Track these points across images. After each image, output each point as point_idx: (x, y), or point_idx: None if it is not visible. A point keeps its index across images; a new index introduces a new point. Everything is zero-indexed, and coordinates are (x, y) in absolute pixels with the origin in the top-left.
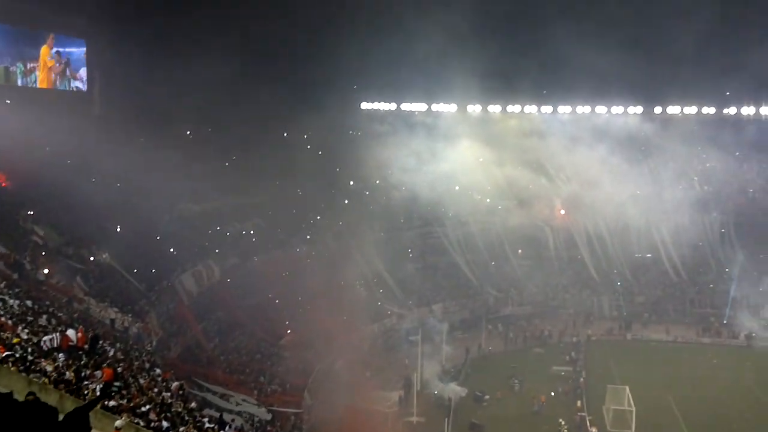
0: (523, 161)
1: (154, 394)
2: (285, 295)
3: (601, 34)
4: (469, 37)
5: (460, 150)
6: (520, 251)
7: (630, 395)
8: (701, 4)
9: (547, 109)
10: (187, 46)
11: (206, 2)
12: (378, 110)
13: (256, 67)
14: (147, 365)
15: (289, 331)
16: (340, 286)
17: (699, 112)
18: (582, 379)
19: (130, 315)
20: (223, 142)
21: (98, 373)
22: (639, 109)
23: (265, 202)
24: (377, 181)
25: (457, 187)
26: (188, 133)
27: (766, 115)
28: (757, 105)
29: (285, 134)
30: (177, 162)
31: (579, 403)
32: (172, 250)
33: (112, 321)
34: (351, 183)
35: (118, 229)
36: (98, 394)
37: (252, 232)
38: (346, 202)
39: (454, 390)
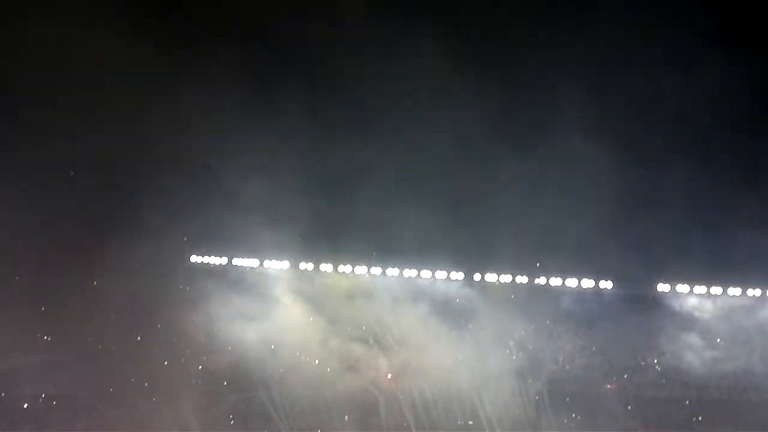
0: (354, 323)
1: None
2: None
3: (426, 201)
4: (301, 195)
5: (290, 309)
6: (346, 417)
7: None
8: (513, 183)
9: (376, 270)
10: None
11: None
12: (208, 264)
13: (73, 210)
14: None
15: None
16: None
17: (513, 281)
18: None
19: None
20: (28, 292)
21: None
22: (461, 275)
23: (72, 361)
24: (201, 340)
25: (285, 349)
26: None
27: (571, 287)
28: (564, 277)
29: (101, 285)
30: None
31: None
32: None
33: None
34: (174, 340)
35: None
36: None
37: (53, 396)
38: (165, 363)
39: None
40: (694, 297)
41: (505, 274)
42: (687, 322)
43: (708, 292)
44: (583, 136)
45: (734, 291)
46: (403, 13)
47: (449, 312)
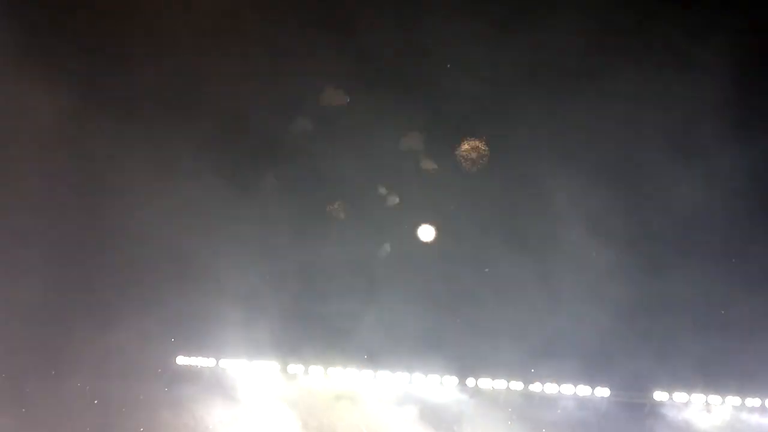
0: (342, 426)
1: None
2: None
3: (419, 303)
4: (291, 296)
5: (279, 411)
6: None
7: None
8: (509, 288)
9: (367, 373)
10: None
11: None
12: (195, 366)
13: (49, 305)
14: None
15: None
16: None
17: (508, 387)
18: None
19: None
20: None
21: None
22: (454, 380)
23: None
24: None
25: None
26: None
27: (567, 394)
28: (559, 384)
29: (87, 387)
30: None
31: None
32: None
33: None
34: None
35: None
36: None
37: None
38: None
39: None
40: (692, 405)
41: (500, 379)
42: (686, 431)
43: (706, 401)
44: (582, 241)
45: (733, 400)
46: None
47: (442, 418)
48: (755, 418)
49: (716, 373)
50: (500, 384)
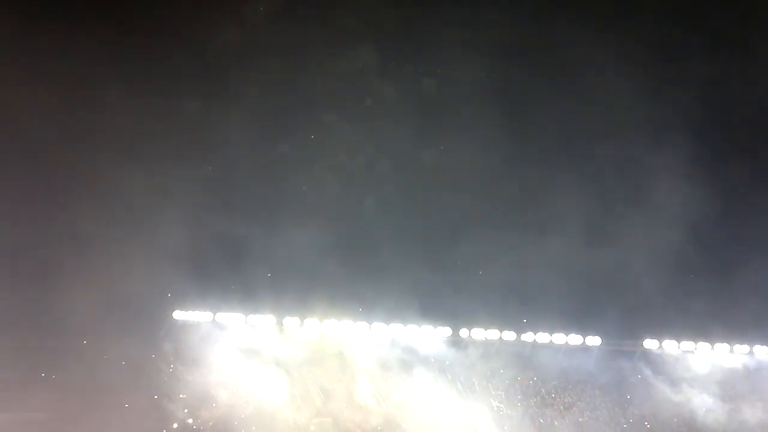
0: (339, 377)
1: None
2: None
3: (413, 256)
4: (288, 249)
5: (275, 364)
6: None
7: None
8: (501, 242)
9: (363, 324)
10: None
11: None
12: (191, 321)
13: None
14: None
15: None
16: None
17: (500, 338)
18: None
19: None
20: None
21: None
22: (448, 331)
23: (53, 419)
24: (181, 395)
25: (268, 407)
26: None
27: (557, 343)
28: (551, 333)
29: (83, 342)
30: None
31: None
32: None
33: None
34: (155, 398)
35: None
36: None
37: None
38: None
39: None
40: (682, 353)
41: (492, 329)
42: (676, 378)
43: (695, 348)
44: (572, 197)
45: (722, 347)
46: None
47: (436, 368)
48: (746, 365)
49: (705, 320)
50: (493, 334)
